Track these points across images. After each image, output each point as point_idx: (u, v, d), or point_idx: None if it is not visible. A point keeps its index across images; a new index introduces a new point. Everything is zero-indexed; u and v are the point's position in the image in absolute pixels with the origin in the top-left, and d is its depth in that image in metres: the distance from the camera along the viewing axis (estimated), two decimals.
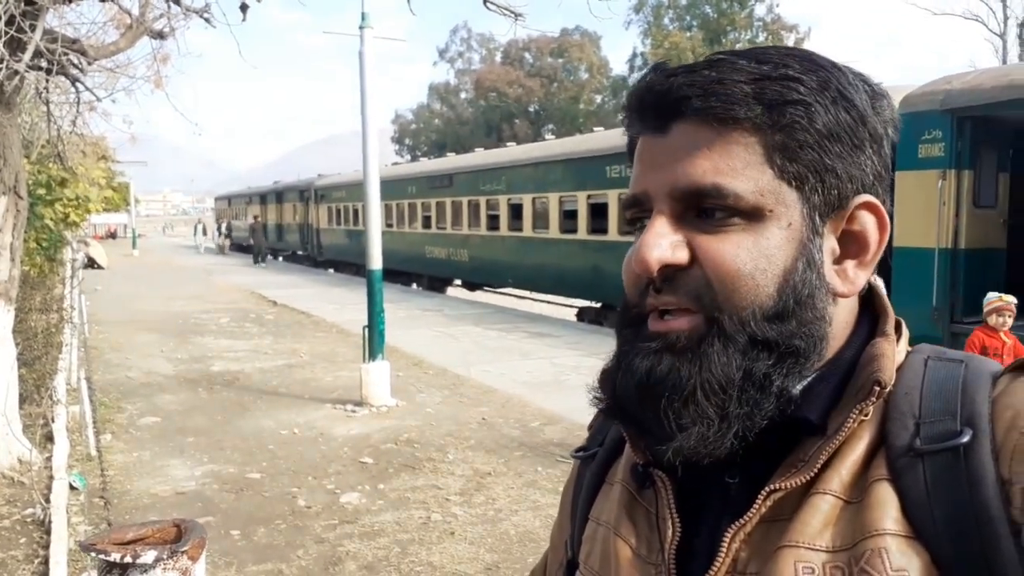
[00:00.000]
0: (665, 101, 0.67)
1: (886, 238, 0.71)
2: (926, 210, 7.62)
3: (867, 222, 0.70)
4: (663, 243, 0.66)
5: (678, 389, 0.65)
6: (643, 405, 0.67)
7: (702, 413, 0.65)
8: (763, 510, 0.66)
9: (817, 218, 0.68)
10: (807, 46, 42.51)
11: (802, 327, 0.66)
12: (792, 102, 0.65)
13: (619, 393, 0.70)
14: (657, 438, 0.67)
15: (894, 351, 0.69)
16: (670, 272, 0.66)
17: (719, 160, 0.65)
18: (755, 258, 0.65)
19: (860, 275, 0.70)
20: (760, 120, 0.65)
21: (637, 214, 0.72)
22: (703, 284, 0.66)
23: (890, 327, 0.71)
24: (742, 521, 0.66)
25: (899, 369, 0.69)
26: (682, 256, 0.66)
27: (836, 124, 0.66)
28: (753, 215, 0.65)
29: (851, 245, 0.70)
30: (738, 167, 0.65)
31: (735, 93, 0.65)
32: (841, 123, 0.67)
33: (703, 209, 0.66)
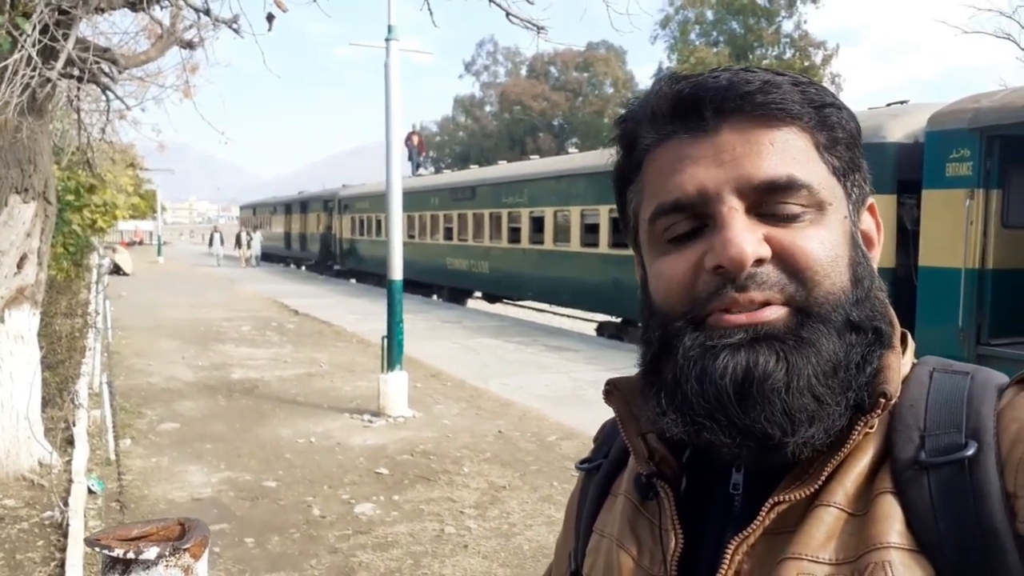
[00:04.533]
0: (725, 96, 0.66)
1: (882, 239, 0.75)
2: (953, 229, 7.53)
3: (870, 222, 0.75)
4: (751, 237, 0.64)
5: (792, 379, 0.62)
6: (746, 406, 0.63)
7: (821, 399, 0.63)
8: (767, 522, 0.65)
9: (856, 213, 0.72)
10: (835, 63, 42.35)
11: (876, 311, 0.68)
12: (829, 104, 0.69)
13: (701, 403, 0.64)
14: (767, 443, 0.63)
15: (900, 363, 0.69)
16: (752, 268, 0.64)
17: (784, 153, 0.66)
18: (832, 247, 0.66)
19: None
20: (810, 118, 0.68)
21: (682, 225, 0.68)
22: (787, 276, 0.65)
23: (896, 339, 0.71)
24: (745, 533, 0.66)
25: (905, 381, 0.69)
26: (767, 251, 0.65)
27: (855, 130, 0.71)
28: (820, 207, 0.67)
29: (863, 242, 0.73)
30: (802, 160, 0.67)
31: (789, 92, 0.67)
32: (855, 129, 0.71)
33: (773, 207, 0.66)
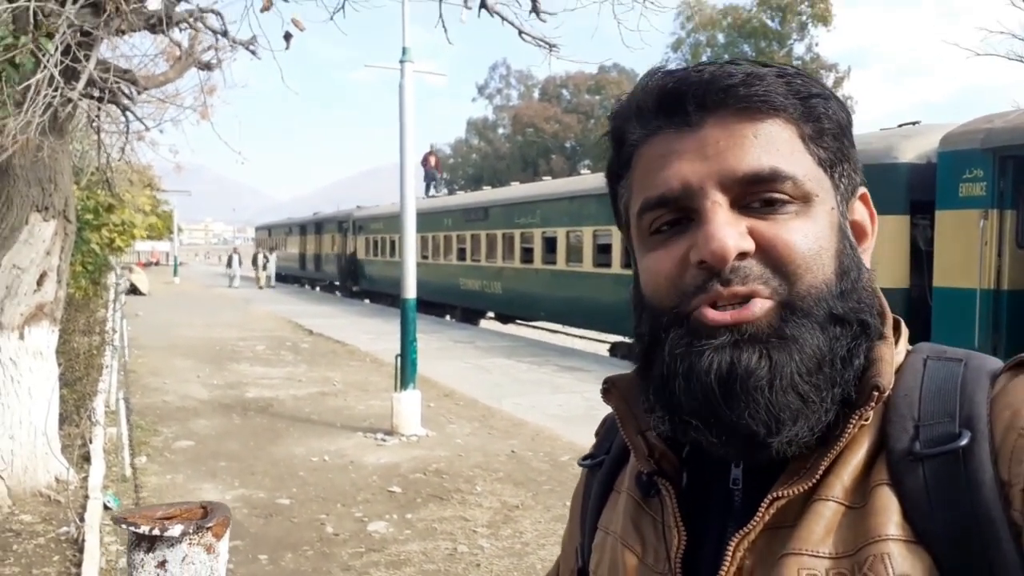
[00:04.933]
0: (708, 91, 0.67)
1: (876, 228, 0.75)
2: (967, 250, 7.50)
3: (863, 212, 0.74)
4: (733, 231, 0.64)
5: (775, 377, 0.63)
6: (731, 403, 0.63)
7: (805, 396, 0.63)
8: (767, 518, 0.65)
9: (844, 204, 0.71)
10: (847, 85, 42.36)
11: (863, 303, 0.68)
12: (816, 95, 0.69)
13: (688, 401, 0.65)
14: (750, 437, 0.64)
15: (892, 354, 0.69)
16: (735, 262, 0.65)
17: (768, 146, 0.66)
18: (816, 240, 0.66)
19: (867, 261, 0.73)
20: (795, 111, 0.68)
21: (665, 216, 0.69)
22: (771, 270, 0.65)
23: (888, 329, 0.71)
24: (746, 529, 0.66)
25: (898, 370, 0.69)
26: (751, 244, 0.65)
27: (844, 119, 0.71)
28: (805, 199, 0.67)
29: (854, 234, 0.73)
30: (786, 152, 0.67)
31: (773, 84, 0.67)
32: (844, 119, 0.71)
33: (757, 199, 0.66)
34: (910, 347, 0.73)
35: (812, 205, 0.67)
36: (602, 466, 0.88)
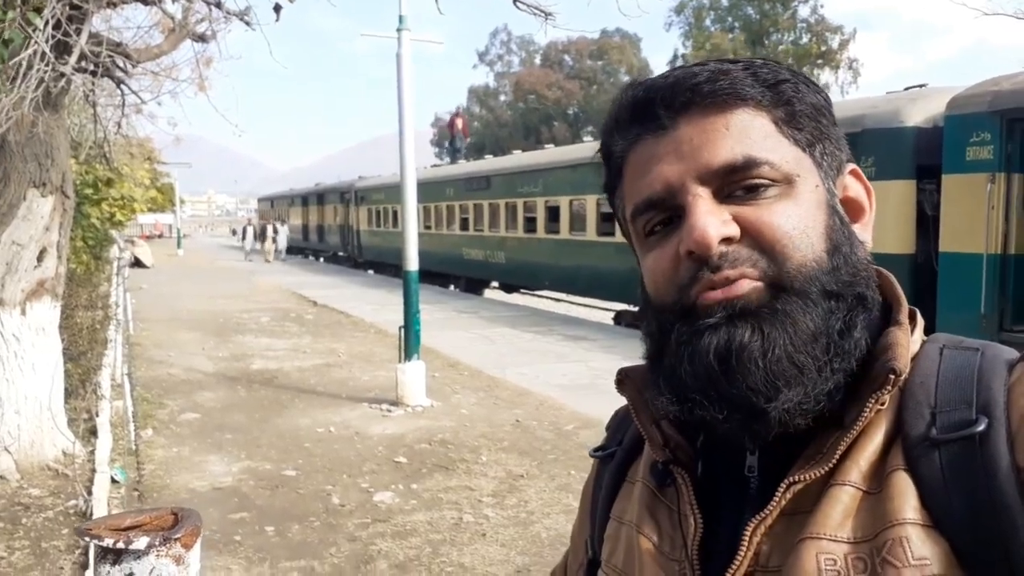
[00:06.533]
0: (675, 92, 0.69)
1: (874, 202, 0.76)
2: (974, 214, 7.44)
3: (857, 188, 0.75)
4: (715, 219, 0.66)
5: (768, 348, 0.64)
6: (729, 377, 0.64)
7: (801, 365, 0.64)
8: (783, 503, 0.66)
9: (830, 182, 0.72)
10: (852, 48, 41.82)
11: (858, 276, 0.69)
12: (783, 81, 0.70)
13: (693, 381, 0.66)
14: (752, 410, 0.65)
15: (908, 340, 0.69)
16: (723, 248, 0.66)
17: (741, 136, 0.68)
18: (802, 219, 0.67)
19: (865, 237, 0.74)
20: (763, 98, 0.69)
21: (656, 218, 0.71)
22: (759, 253, 0.66)
23: (903, 316, 0.71)
24: (763, 514, 0.66)
25: (915, 358, 0.69)
26: (735, 230, 0.66)
27: (819, 100, 0.72)
28: (786, 181, 0.68)
29: (850, 210, 0.74)
30: (758, 139, 0.68)
31: (738, 77, 0.69)
32: (819, 101, 0.72)
33: (738, 187, 0.68)
34: (926, 337, 0.73)
35: (794, 186, 0.69)
36: (614, 457, 0.88)
